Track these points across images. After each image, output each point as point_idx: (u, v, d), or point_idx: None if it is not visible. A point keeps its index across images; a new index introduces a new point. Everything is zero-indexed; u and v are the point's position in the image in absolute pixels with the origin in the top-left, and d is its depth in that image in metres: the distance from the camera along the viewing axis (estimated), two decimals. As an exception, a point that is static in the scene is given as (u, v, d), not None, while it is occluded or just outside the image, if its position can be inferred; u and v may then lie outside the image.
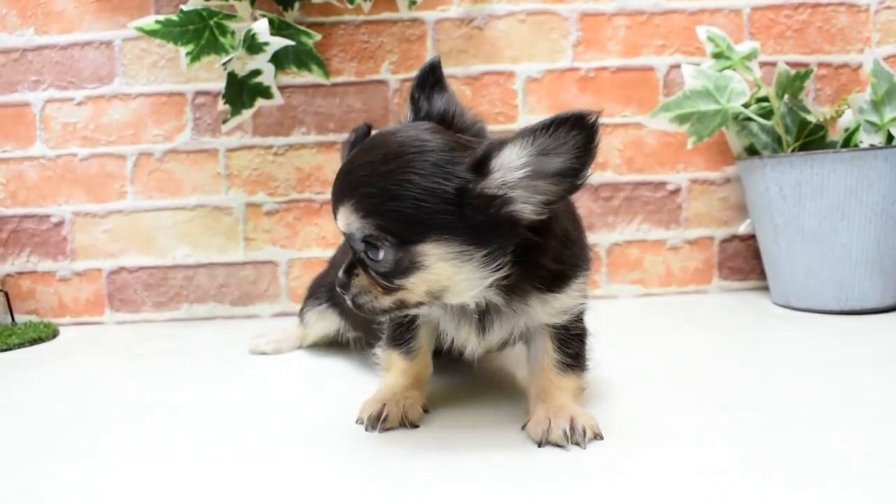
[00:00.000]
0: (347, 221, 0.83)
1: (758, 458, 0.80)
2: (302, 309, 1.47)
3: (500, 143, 0.79)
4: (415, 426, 0.95)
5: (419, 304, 0.87)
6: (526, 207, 0.79)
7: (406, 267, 0.82)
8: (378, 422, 0.94)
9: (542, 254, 0.85)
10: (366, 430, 0.94)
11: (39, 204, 1.88)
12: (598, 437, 0.87)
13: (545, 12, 1.86)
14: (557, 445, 0.85)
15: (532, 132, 0.76)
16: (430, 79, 0.97)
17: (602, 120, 0.77)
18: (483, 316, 0.92)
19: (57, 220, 1.88)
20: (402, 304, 0.86)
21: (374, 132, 0.91)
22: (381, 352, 1.07)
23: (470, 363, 1.11)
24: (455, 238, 0.80)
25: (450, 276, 0.82)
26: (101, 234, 1.88)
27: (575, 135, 0.76)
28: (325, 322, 1.39)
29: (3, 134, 1.87)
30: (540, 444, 0.85)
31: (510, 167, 0.78)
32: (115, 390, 1.24)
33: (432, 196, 0.79)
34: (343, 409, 1.02)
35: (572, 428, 0.85)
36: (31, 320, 1.87)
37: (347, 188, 0.84)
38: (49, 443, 0.96)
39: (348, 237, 0.86)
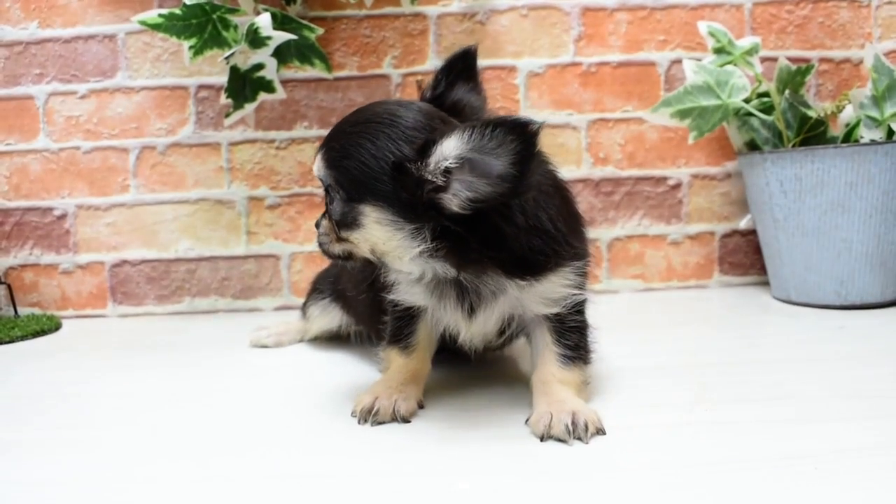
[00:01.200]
0: (318, 168, 0.92)
1: (758, 452, 0.80)
2: (305, 303, 1.48)
3: (446, 133, 0.81)
4: (406, 421, 0.95)
5: (366, 261, 0.94)
6: (452, 200, 0.81)
7: (349, 221, 0.89)
8: (370, 415, 0.95)
9: (471, 244, 0.86)
10: (358, 422, 0.95)
11: (42, 197, 1.89)
12: (600, 431, 0.87)
13: (547, 7, 1.86)
14: (559, 440, 0.85)
15: (471, 128, 0.78)
16: (459, 65, 1.02)
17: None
18: (461, 294, 0.93)
19: (60, 212, 1.89)
20: (350, 255, 0.95)
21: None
22: (382, 351, 1.08)
23: (469, 356, 1.12)
24: (389, 207, 0.86)
25: (385, 241, 0.88)
26: (104, 228, 1.89)
27: (511, 140, 0.76)
28: (328, 317, 1.40)
29: (6, 127, 1.87)
30: (542, 439, 0.86)
31: (444, 156, 0.80)
32: (117, 383, 1.25)
33: (376, 164, 0.86)
34: (342, 402, 1.03)
35: (574, 423, 0.85)
36: (34, 313, 1.88)
37: (325, 141, 0.93)
38: (51, 435, 0.97)
39: (321, 183, 0.94)
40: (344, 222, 0.90)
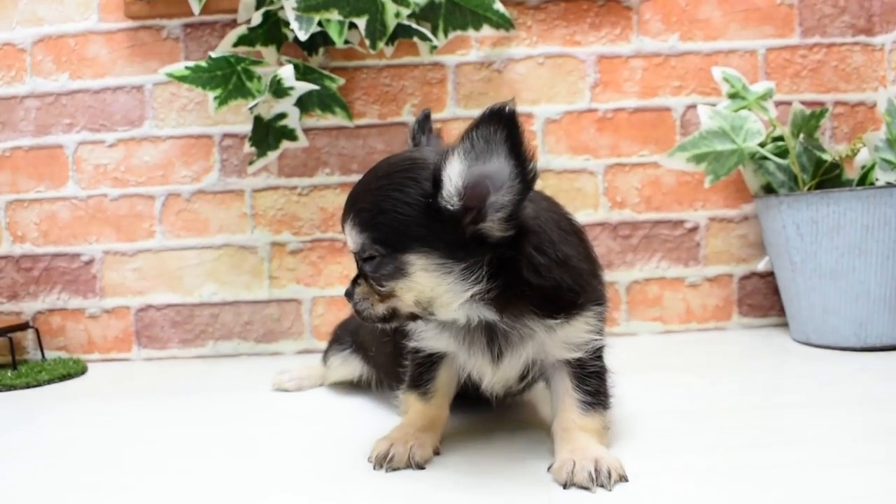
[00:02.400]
0: (350, 237, 0.91)
1: (778, 497, 0.80)
2: (326, 351, 1.49)
3: (443, 159, 0.83)
4: (421, 467, 0.95)
5: (412, 314, 0.91)
6: (492, 226, 0.83)
7: (395, 276, 0.88)
8: (385, 461, 0.95)
9: (524, 270, 0.87)
10: (374, 468, 0.95)
11: (70, 243, 1.93)
12: (623, 478, 0.86)
13: (563, 55, 1.90)
14: (583, 487, 0.84)
15: (461, 139, 0.80)
16: (425, 123, 1.08)
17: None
18: (491, 339, 0.94)
19: (87, 258, 1.93)
20: (394, 312, 0.92)
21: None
22: (402, 394, 1.09)
23: (489, 402, 1.12)
24: (434, 251, 0.85)
25: (433, 287, 0.87)
26: (130, 273, 1.92)
27: (495, 129, 0.77)
28: (349, 367, 1.40)
29: (37, 175, 1.93)
30: (565, 486, 0.85)
31: (451, 178, 0.82)
32: (141, 427, 1.26)
33: (410, 210, 0.85)
34: (360, 448, 1.03)
35: (597, 470, 0.85)
36: (61, 356, 1.91)
37: (349, 207, 0.92)
38: (75, 478, 0.98)
39: (353, 251, 0.93)
40: (388, 276, 0.88)
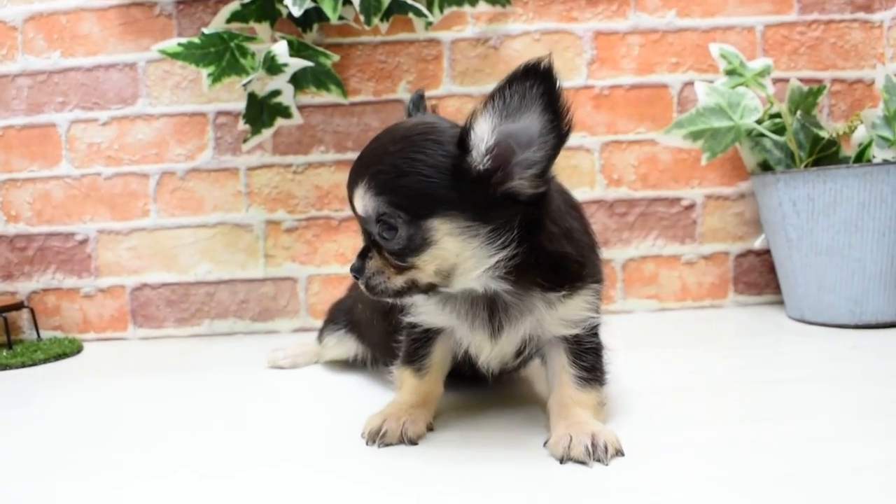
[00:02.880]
0: (363, 202, 0.87)
1: (771, 470, 0.80)
2: (321, 331, 1.49)
3: (471, 118, 0.82)
4: (413, 443, 0.95)
5: (430, 286, 0.89)
6: (523, 183, 0.83)
7: (418, 243, 0.85)
8: (377, 436, 0.95)
9: (542, 235, 0.87)
10: (366, 444, 0.95)
11: (65, 222, 1.92)
12: (619, 453, 0.86)
13: (560, 31, 1.89)
14: (579, 462, 0.84)
15: (491, 97, 0.79)
16: (420, 102, 1.05)
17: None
18: (492, 313, 0.94)
19: (81, 237, 1.92)
20: (413, 285, 0.88)
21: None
22: (396, 369, 1.08)
23: (485, 379, 1.12)
24: (461, 214, 0.84)
25: (458, 253, 0.85)
26: (125, 252, 1.92)
27: (531, 85, 0.77)
28: (344, 347, 1.40)
29: (30, 154, 1.91)
30: (562, 461, 0.85)
31: (481, 137, 0.81)
32: (137, 405, 1.27)
33: (436, 172, 0.83)
34: (354, 424, 1.03)
35: (594, 444, 0.85)
36: (56, 336, 1.91)
37: (361, 170, 0.88)
38: (72, 456, 0.99)
39: (363, 220, 0.89)
40: (411, 246, 0.85)
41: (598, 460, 0.84)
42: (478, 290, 0.91)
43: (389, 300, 0.93)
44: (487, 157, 0.81)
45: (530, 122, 0.79)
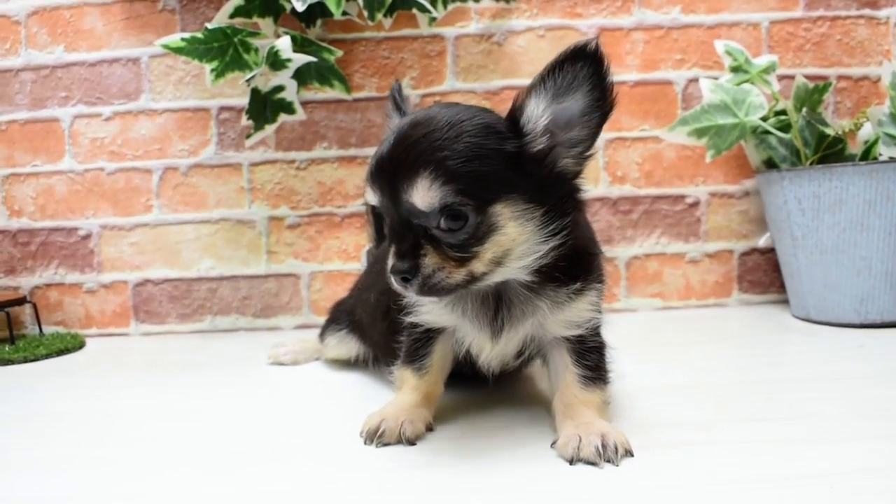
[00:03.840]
0: (426, 194, 0.81)
1: (775, 471, 0.80)
2: (323, 330, 1.47)
3: (521, 100, 0.84)
4: (412, 443, 0.94)
5: (483, 276, 0.86)
6: (569, 163, 0.85)
7: (483, 231, 0.83)
8: (375, 436, 0.94)
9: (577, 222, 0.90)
10: (364, 443, 0.95)
11: (67, 217, 1.92)
12: (629, 453, 0.86)
13: (564, 27, 1.88)
14: (590, 463, 0.84)
15: (542, 79, 0.81)
16: (402, 93, 1.03)
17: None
18: (496, 312, 0.93)
19: (84, 233, 1.92)
20: (471, 277, 0.85)
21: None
22: (396, 369, 1.07)
23: (485, 380, 1.11)
24: (520, 196, 0.84)
25: (515, 237, 0.85)
26: (128, 247, 1.92)
27: (581, 66, 0.80)
28: (345, 348, 1.39)
29: (33, 149, 1.91)
30: (571, 462, 0.84)
31: (536, 118, 0.83)
32: (138, 400, 1.27)
33: (497, 155, 0.83)
34: (354, 422, 1.02)
35: (604, 445, 0.84)
36: (59, 331, 1.91)
37: (418, 160, 0.82)
38: (74, 451, 0.98)
39: (416, 214, 0.83)
40: (477, 235, 0.83)
41: (609, 461, 0.83)
42: (521, 277, 0.90)
43: (445, 297, 0.90)
44: (542, 136, 0.84)
45: (576, 101, 0.82)
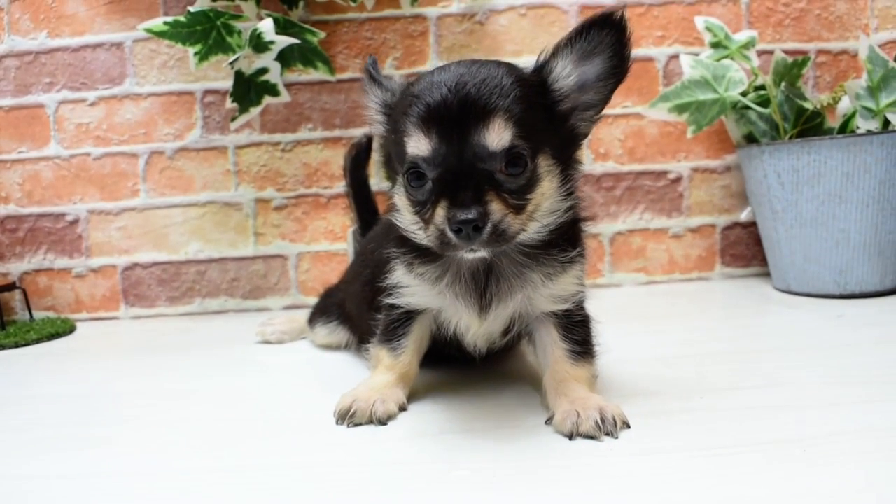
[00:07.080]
0: (496, 133, 0.80)
1: (750, 436, 0.82)
2: (312, 317, 1.47)
3: (547, 60, 0.87)
4: (383, 423, 0.93)
5: (522, 230, 0.85)
6: (582, 124, 0.89)
7: (534, 179, 0.85)
8: (347, 416, 0.94)
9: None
10: (336, 423, 0.95)
11: (55, 203, 1.93)
12: (626, 425, 0.86)
13: (545, 6, 1.89)
14: (589, 437, 0.83)
15: (569, 41, 0.85)
16: (376, 69, 1.03)
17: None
18: (485, 287, 0.93)
19: (72, 218, 1.93)
20: (521, 228, 0.84)
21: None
22: (373, 348, 1.07)
23: (471, 361, 1.11)
24: (550, 151, 0.87)
25: (545, 191, 0.87)
26: (115, 232, 1.93)
27: (607, 33, 0.84)
28: (335, 337, 1.39)
29: (18, 135, 1.91)
30: (570, 437, 0.84)
31: (563, 78, 0.87)
32: (129, 383, 1.28)
33: (539, 108, 0.86)
34: (333, 402, 1.01)
35: (603, 418, 0.84)
36: (49, 316, 1.92)
37: (490, 101, 0.81)
38: (66, 433, 1.00)
39: (484, 157, 0.81)
40: (530, 183, 0.84)
41: (609, 434, 0.83)
42: (487, 258, 0.90)
43: (501, 248, 0.85)
44: (570, 95, 0.87)
45: (594, 66, 0.86)
